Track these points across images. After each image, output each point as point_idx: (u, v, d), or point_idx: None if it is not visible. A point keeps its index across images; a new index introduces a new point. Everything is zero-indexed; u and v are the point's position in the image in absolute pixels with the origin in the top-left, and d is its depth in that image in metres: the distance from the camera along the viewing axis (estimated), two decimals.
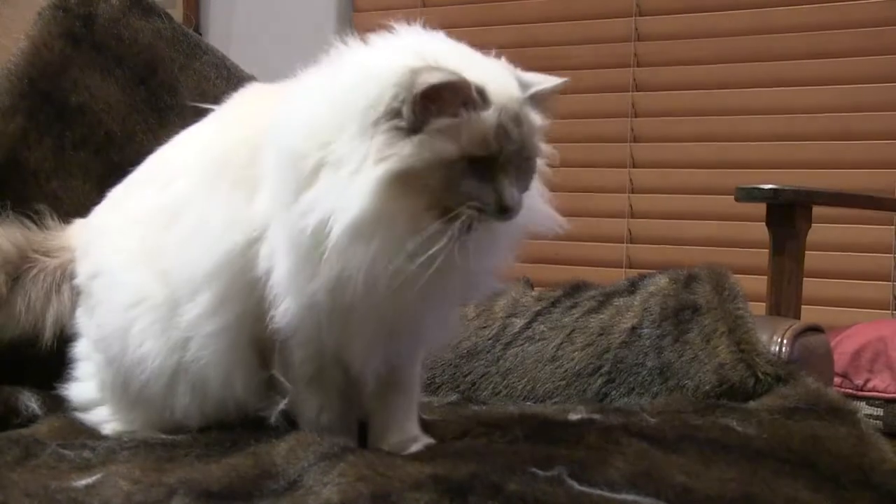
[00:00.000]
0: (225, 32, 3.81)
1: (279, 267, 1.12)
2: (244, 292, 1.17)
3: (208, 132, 1.30)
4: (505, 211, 1.06)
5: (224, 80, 1.90)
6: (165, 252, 1.23)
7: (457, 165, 1.04)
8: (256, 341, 1.20)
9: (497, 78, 1.09)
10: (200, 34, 3.53)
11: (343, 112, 1.07)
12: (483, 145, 1.05)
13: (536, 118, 1.11)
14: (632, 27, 3.27)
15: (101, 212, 1.40)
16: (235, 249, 1.16)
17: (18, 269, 1.38)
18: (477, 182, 1.05)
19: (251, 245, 1.16)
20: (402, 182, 1.03)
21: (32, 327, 1.37)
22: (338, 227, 1.04)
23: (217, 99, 1.32)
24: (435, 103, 1.03)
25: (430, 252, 1.03)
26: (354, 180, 1.03)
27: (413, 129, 1.04)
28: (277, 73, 1.27)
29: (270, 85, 1.29)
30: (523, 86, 1.11)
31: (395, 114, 1.04)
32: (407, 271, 1.04)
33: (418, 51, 1.08)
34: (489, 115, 1.05)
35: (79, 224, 1.43)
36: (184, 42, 1.89)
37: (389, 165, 1.03)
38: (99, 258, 1.32)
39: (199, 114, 1.34)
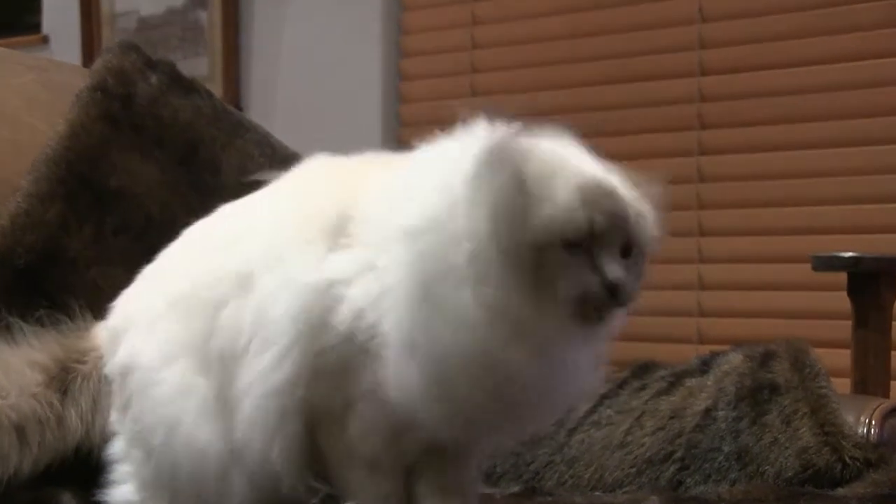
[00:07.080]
0: (267, 108, 3.82)
1: (400, 309, 1.05)
2: (311, 336, 1.10)
3: (282, 195, 1.24)
4: (612, 290, 1.06)
5: (268, 157, 1.88)
6: (223, 328, 1.18)
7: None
8: (308, 411, 1.13)
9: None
10: (242, 110, 3.58)
11: None
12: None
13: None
14: (696, 87, 3.20)
15: (127, 298, 1.36)
16: (319, 287, 1.10)
17: (64, 382, 1.36)
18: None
19: (332, 285, 1.10)
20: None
21: (85, 437, 1.35)
22: None
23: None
24: None
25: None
26: None
27: None
28: (321, 147, 1.26)
29: (337, 158, 1.25)
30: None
31: None
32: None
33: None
34: None
35: (104, 324, 1.40)
36: (225, 120, 1.89)
37: None
38: (129, 351, 1.28)
39: (245, 191, 1.29)
